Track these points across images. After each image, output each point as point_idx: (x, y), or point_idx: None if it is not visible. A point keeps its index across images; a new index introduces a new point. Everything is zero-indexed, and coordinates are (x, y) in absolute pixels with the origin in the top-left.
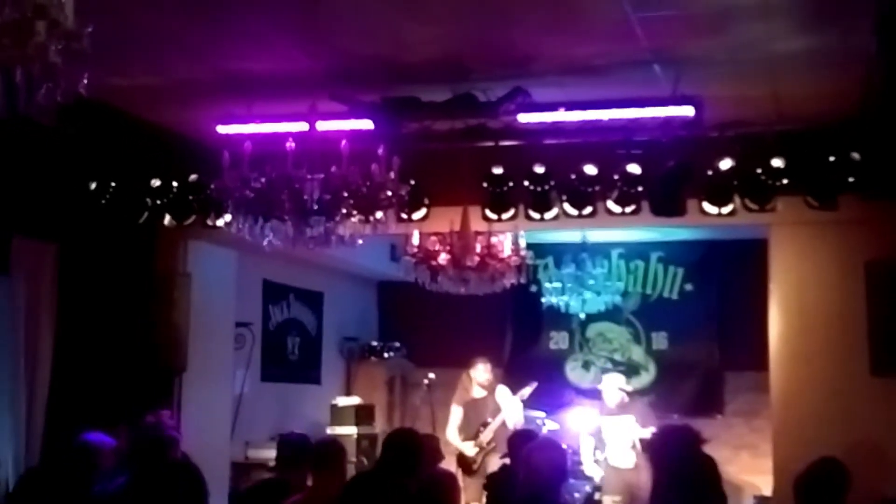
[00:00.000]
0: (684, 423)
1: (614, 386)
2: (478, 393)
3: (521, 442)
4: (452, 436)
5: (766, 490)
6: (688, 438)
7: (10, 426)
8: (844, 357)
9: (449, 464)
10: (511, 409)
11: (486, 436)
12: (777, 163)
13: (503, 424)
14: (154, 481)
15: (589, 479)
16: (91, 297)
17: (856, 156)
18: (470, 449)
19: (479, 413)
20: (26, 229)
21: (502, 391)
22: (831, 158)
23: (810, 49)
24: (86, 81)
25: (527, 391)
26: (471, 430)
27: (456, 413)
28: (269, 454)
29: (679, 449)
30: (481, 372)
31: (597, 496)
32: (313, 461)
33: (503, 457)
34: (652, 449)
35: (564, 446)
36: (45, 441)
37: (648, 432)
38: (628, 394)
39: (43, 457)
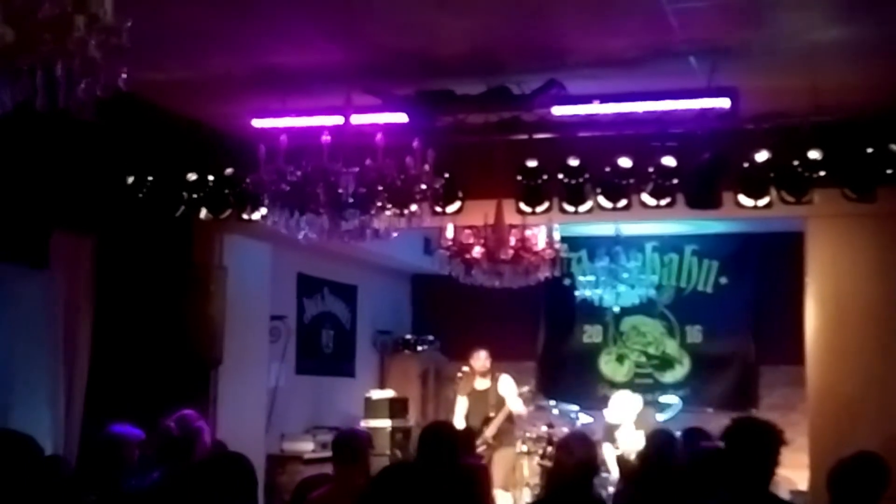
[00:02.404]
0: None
1: (619, 406)
2: (480, 384)
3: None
4: (461, 404)
5: (802, 485)
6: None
7: (49, 420)
8: (881, 351)
9: None
10: (513, 400)
11: (490, 431)
12: (814, 155)
13: (508, 417)
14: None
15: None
16: (128, 290)
17: (894, 147)
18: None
19: (482, 405)
20: (65, 223)
21: (506, 382)
22: (869, 150)
23: (848, 39)
24: (124, 76)
25: (524, 389)
26: (475, 424)
27: (461, 403)
28: (304, 446)
29: None
30: (480, 360)
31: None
32: (336, 454)
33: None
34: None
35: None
36: (84, 435)
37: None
38: (646, 405)
39: (81, 451)
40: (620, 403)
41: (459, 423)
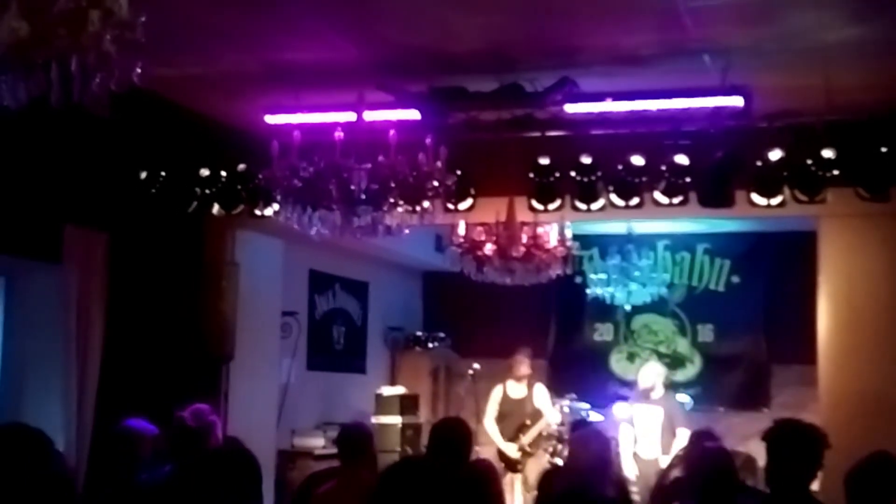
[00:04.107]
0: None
1: (652, 372)
2: (514, 391)
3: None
4: (490, 427)
5: (814, 484)
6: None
7: (61, 415)
8: (894, 350)
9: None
10: (551, 413)
11: (527, 439)
12: (828, 154)
13: (545, 429)
14: (201, 469)
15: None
16: (140, 285)
17: None
18: (513, 451)
19: (518, 413)
20: (78, 218)
21: (541, 394)
22: (883, 149)
23: (862, 38)
24: (139, 71)
25: (566, 402)
26: (509, 429)
27: (494, 402)
28: (315, 442)
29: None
30: (523, 364)
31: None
32: (341, 449)
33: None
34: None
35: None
36: (96, 431)
37: (679, 431)
38: (667, 388)
39: (93, 445)
40: (651, 372)
41: (491, 424)
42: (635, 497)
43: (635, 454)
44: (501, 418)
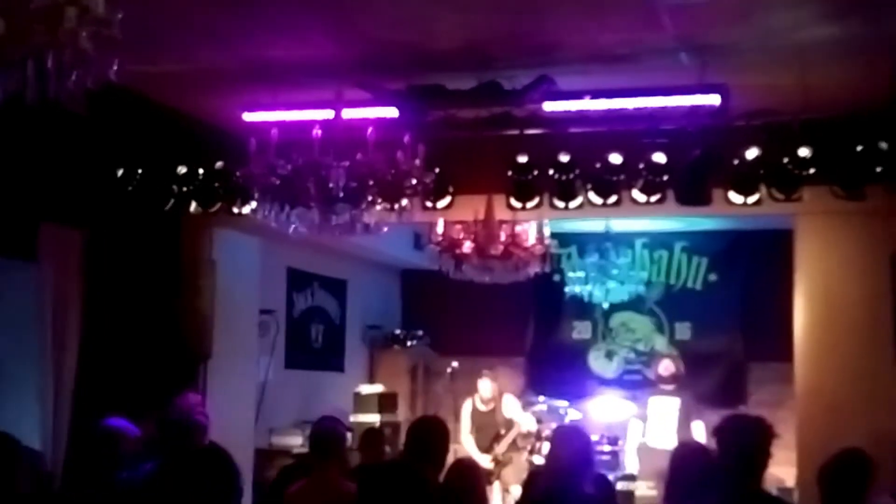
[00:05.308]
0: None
1: (672, 363)
2: (482, 405)
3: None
4: (467, 440)
5: (790, 481)
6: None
7: (37, 413)
8: (869, 348)
9: None
10: (523, 419)
11: (500, 448)
12: (804, 152)
13: (519, 435)
14: (183, 467)
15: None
16: (117, 283)
17: (884, 145)
18: (486, 462)
19: (488, 425)
20: (54, 216)
21: (510, 403)
22: (859, 148)
23: (839, 37)
24: (115, 68)
25: (538, 408)
26: (483, 440)
27: (466, 416)
28: (293, 441)
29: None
30: (485, 388)
31: (628, 486)
32: (312, 449)
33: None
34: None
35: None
36: (73, 429)
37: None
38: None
39: (70, 445)
40: (671, 363)
41: (467, 438)
42: (650, 490)
43: (646, 445)
44: (475, 431)
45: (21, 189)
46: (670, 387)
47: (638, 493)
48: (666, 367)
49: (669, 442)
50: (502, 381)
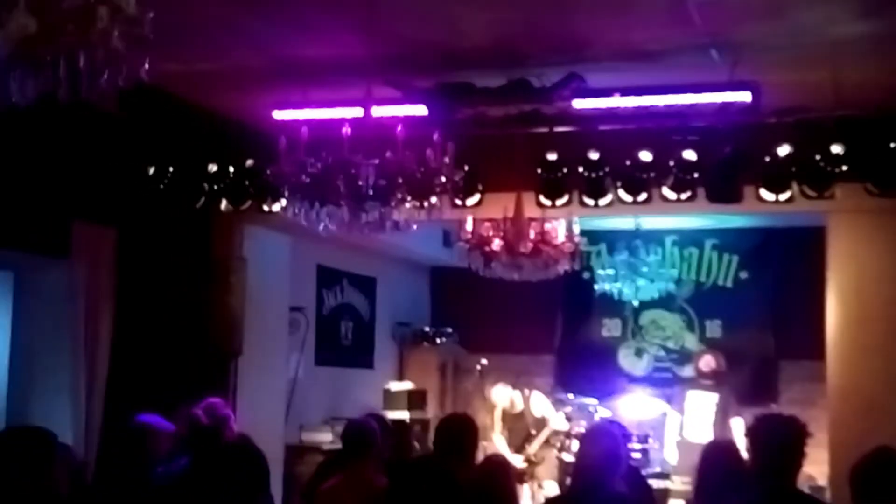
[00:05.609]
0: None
1: (713, 358)
2: (511, 408)
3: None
4: (498, 440)
5: (822, 480)
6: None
7: (69, 411)
8: None
9: None
10: (554, 418)
11: (532, 448)
12: (836, 149)
13: (551, 432)
14: (216, 462)
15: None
16: (149, 280)
17: None
18: (519, 462)
19: (520, 425)
20: (87, 214)
21: (539, 402)
22: (892, 145)
23: (871, 33)
24: (147, 67)
25: (569, 408)
26: (515, 440)
27: (497, 418)
28: (323, 437)
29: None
30: (501, 396)
31: (661, 483)
32: (344, 447)
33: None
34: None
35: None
36: (105, 426)
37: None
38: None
39: (102, 442)
40: (711, 358)
41: (499, 439)
42: (685, 485)
43: (685, 440)
44: (506, 430)
45: (54, 187)
46: (710, 382)
47: (673, 487)
48: (707, 362)
49: (707, 437)
50: (524, 380)
